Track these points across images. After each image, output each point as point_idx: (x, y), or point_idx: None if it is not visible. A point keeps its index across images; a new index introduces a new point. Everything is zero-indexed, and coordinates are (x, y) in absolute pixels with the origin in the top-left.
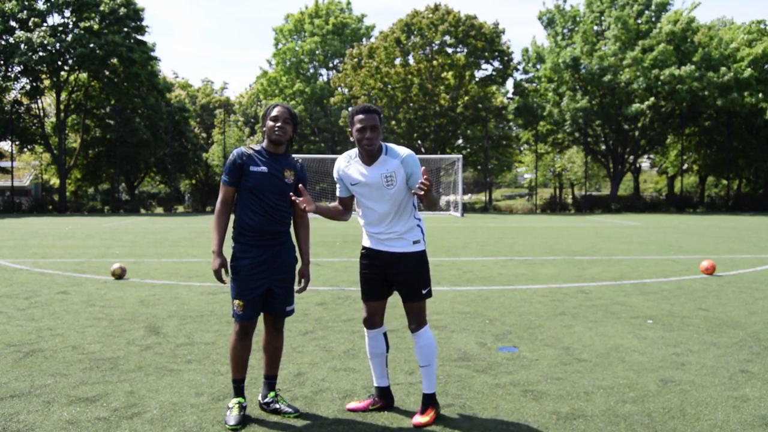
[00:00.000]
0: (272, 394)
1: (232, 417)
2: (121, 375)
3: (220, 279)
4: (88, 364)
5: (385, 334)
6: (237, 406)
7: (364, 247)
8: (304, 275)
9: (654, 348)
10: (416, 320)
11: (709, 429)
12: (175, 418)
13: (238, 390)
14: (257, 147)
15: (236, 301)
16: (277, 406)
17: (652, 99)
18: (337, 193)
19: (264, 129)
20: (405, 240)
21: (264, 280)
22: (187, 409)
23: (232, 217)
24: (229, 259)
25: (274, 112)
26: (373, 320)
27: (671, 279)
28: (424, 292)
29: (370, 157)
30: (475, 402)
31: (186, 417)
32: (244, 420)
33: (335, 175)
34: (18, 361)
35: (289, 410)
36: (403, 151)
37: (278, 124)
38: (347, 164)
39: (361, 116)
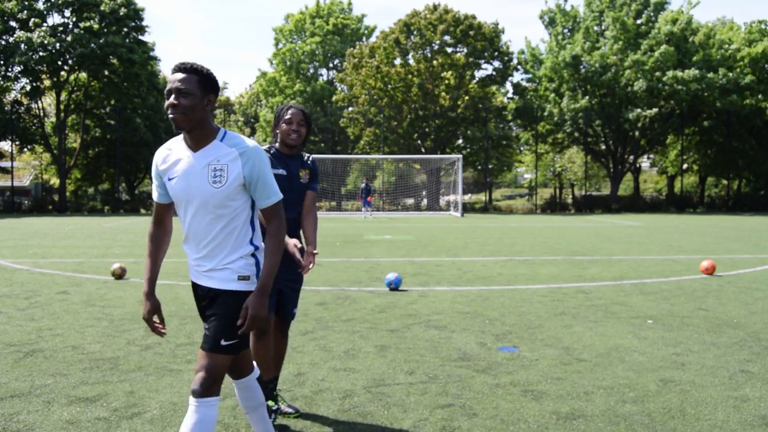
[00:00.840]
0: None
1: None
2: (121, 375)
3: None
4: (88, 364)
5: (259, 379)
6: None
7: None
8: (309, 254)
9: (654, 348)
10: (202, 377)
11: (709, 429)
12: (175, 418)
13: (267, 393)
14: (271, 149)
15: None
16: (279, 406)
17: (655, 110)
18: (155, 198)
19: (277, 131)
20: (228, 270)
21: (277, 280)
22: (186, 408)
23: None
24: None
25: (288, 115)
26: (234, 369)
27: (671, 279)
28: (223, 343)
29: (192, 140)
30: (475, 402)
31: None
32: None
33: (153, 170)
34: (18, 361)
35: (290, 410)
36: (248, 142)
37: (293, 127)
38: (168, 151)
39: (173, 76)
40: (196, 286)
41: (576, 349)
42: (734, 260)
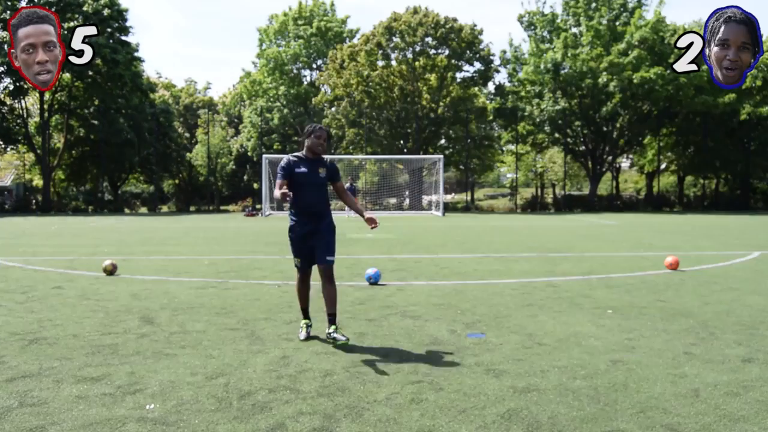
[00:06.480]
0: (333, 327)
1: (302, 334)
2: (121, 358)
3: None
4: (89, 349)
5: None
6: (305, 326)
7: None
8: (372, 219)
9: (609, 334)
10: None
11: (647, 400)
12: (174, 393)
13: (305, 314)
14: (300, 154)
15: (295, 258)
16: (335, 335)
17: (619, 95)
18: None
19: (307, 143)
20: None
21: (310, 242)
22: (184, 385)
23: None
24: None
25: (318, 133)
26: None
27: (636, 274)
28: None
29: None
30: (442, 379)
31: (183, 392)
32: (309, 337)
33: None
34: (24, 347)
35: (343, 338)
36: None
37: (320, 141)
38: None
39: None
40: None
41: (538, 335)
42: (700, 256)
